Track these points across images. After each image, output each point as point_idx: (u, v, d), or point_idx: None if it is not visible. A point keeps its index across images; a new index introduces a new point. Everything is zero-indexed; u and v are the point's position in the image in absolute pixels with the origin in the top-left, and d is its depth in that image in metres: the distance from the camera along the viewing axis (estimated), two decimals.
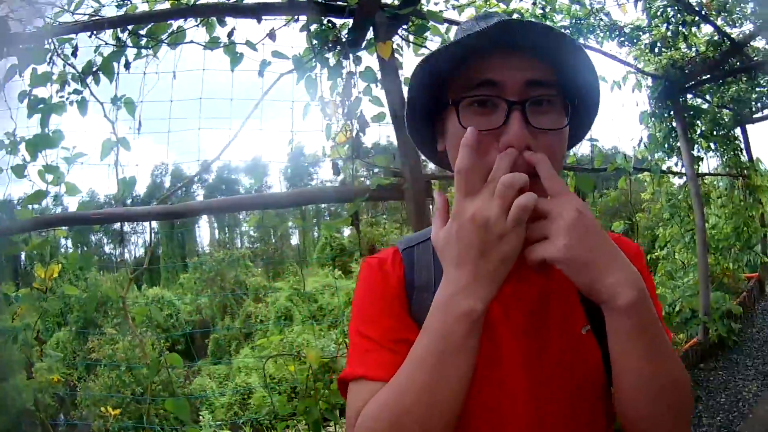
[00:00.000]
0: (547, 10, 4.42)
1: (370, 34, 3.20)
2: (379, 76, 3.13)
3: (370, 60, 3.25)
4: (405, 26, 3.49)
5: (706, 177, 8.28)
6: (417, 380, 0.84)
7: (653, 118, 6.66)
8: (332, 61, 3.26)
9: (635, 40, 5.59)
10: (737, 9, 5.77)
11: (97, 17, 2.87)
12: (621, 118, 11.35)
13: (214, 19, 3.07)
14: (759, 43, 6.73)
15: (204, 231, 46.06)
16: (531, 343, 0.99)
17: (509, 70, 0.90)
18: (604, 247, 0.80)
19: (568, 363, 0.99)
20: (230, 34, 3.11)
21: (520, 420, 0.97)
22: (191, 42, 3.07)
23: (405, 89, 3.08)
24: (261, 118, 3.17)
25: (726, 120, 8.49)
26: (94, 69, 2.95)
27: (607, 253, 0.80)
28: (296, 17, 3.16)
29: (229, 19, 3.09)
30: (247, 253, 28.01)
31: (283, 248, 34.58)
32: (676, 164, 6.81)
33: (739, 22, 6.05)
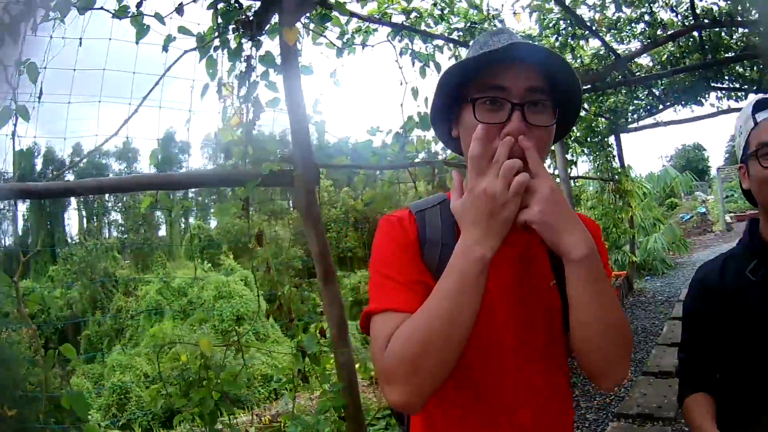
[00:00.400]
0: (445, 12, 4.65)
1: (273, 20, 3.30)
2: (278, 61, 3.23)
3: (270, 45, 3.34)
4: (308, 14, 3.62)
5: (578, 180, 8.89)
6: (443, 308, 1.12)
7: None
8: (233, 43, 3.32)
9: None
10: (627, 27, 6.37)
11: None
12: None
13: None
14: (643, 60, 7.43)
15: (73, 219, 43.57)
16: (515, 292, 1.31)
17: (515, 78, 1.20)
18: (567, 215, 1.12)
19: (542, 308, 1.34)
20: (139, 5, 3.07)
21: (509, 352, 1.30)
22: (101, 8, 2.97)
23: (303, 77, 3.29)
24: (161, 96, 3.13)
25: (602, 128, 9.15)
26: None
27: (569, 219, 1.12)
28: None
29: None
30: (115, 243, 26.95)
31: (152, 239, 33.51)
32: (550, 166, 7.27)
33: (627, 39, 6.67)
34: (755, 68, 8.23)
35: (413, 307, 1.18)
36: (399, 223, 1.38)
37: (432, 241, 1.35)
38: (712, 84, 8.80)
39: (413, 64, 4.65)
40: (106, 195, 35.19)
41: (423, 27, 4.62)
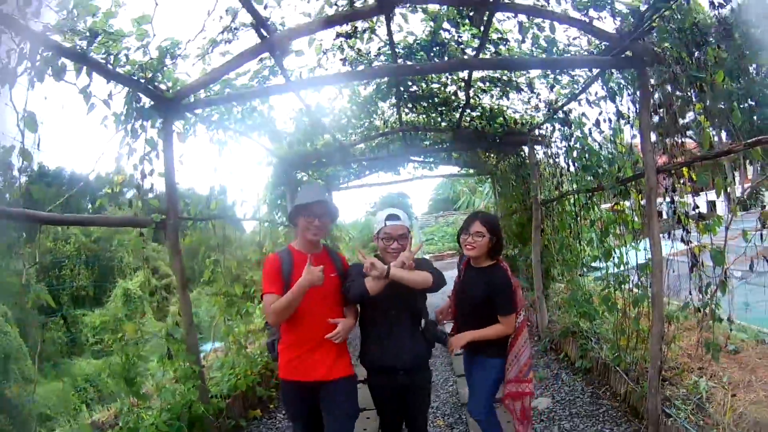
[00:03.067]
0: (223, 111, 6.53)
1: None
2: (160, 144, 4.80)
3: (152, 131, 4.85)
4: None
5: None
6: (287, 299, 3.40)
7: (271, 185, 9.80)
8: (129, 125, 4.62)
9: (281, 138, 8.61)
10: (351, 130, 9.07)
11: None
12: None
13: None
14: (360, 145, 10.08)
15: None
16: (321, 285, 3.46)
17: (317, 210, 3.67)
18: None
19: (333, 289, 3.72)
20: (87, 86, 4.01)
21: (317, 319, 3.63)
22: (73, 83, 3.95)
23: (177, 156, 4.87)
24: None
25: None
26: None
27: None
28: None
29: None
30: None
31: None
32: (280, 217, 9.87)
33: (351, 135, 9.34)
34: (443, 154, 12.19)
35: (278, 293, 3.36)
36: (275, 256, 3.53)
37: (285, 264, 3.50)
38: (411, 158, 12.12)
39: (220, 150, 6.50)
40: None
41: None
